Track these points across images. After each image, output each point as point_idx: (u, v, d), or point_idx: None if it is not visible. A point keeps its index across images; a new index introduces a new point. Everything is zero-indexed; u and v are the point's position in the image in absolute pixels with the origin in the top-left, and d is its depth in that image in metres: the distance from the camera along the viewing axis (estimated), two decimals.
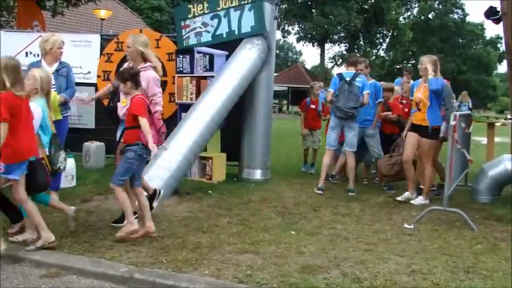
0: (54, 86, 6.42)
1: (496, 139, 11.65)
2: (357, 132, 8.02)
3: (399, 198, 7.39)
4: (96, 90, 9.60)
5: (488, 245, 5.31)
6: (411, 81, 8.64)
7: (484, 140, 12.47)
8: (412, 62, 53.58)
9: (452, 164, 6.18)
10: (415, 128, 7.34)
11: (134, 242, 5.01)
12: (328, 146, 8.14)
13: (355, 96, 7.78)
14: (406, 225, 6.01)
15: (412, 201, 7.24)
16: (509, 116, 16.88)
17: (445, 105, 7.29)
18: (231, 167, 9.08)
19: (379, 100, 8.51)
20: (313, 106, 10.07)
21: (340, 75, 8.15)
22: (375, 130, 8.48)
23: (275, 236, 5.39)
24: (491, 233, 5.83)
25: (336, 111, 7.86)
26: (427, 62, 7.15)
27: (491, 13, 7.22)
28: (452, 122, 6.13)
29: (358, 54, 45.81)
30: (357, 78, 7.90)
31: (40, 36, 7.85)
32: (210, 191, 7.55)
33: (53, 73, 6.48)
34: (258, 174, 8.71)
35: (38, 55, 7.63)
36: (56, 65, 6.56)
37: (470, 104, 17.17)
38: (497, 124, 12.03)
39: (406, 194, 7.44)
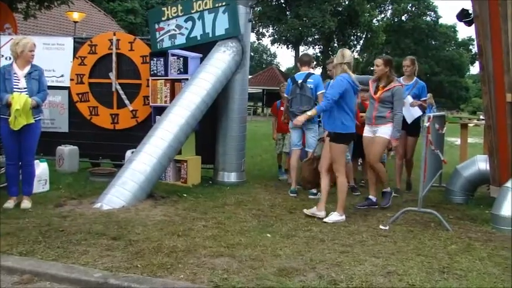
0: (25, 90, 6.36)
1: (469, 140, 11.81)
2: (316, 134, 7.80)
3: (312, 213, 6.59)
4: (69, 93, 9.54)
5: (462, 245, 5.35)
6: None
7: (458, 141, 12.63)
8: None
9: (426, 165, 6.23)
10: None
11: (109, 246, 4.96)
12: (292, 147, 8.16)
13: (307, 99, 7.68)
14: (381, 227, 6.03)
15: (325, 219, 6.32)
16: (481, 117, 17.11)
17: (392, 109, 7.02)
18: (206, 170, 9.06)
19: None
20: (283, 109, 9.84)
21: (292, 78, 8.13)
22: None
23: (251, 239, 5.37)
24: (466, 233, 5.87)
25: (291, 116, 7.76)
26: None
27: (463, 15, 7.31)
28: (427, 123, 6.18)
29: (332, 56, 46.10)
30: (308, 80, 7.82)
31: (12, 39, 7.74)
32: (185, 194, 7.50)
33: (24, 76, 6.40)
34: (233, 177, 8.69)
35: (10, 58, 7.52)
36: (27, 68, 6.46)
37: (434, 108, 17.34)
38: (470, 125, 12.17)
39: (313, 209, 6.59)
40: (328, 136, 6.50)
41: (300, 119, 6.70)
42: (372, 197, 7.14)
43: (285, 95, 8.25)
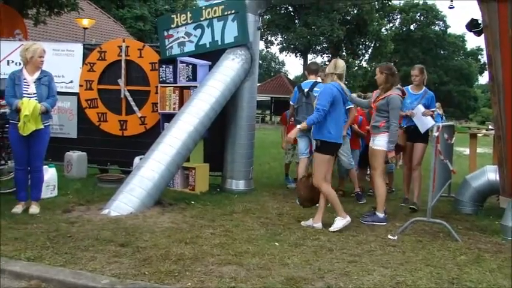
0: (35, 95, 6.38)
1: (478, 150, 11.75)
2: None
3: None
4: (78, 99, 9.57)
5: (472, 256, 5.31)
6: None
7: (467, 151, 12.58)
8: None
9: (435, 175, 6.20)
10: None
11: (116, 253, 4.95)
12: (300, 155, 8.13)
13: (313, 108, 7.63)
14: (390, 236, 6.00)
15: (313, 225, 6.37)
16: (490, 127, 17.02)
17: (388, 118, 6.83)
18: (214, 178, 9.05)
19: (349, 106, 8.10)
20: (292, 119, 9.76)
21: (299, 86, 8.10)
22: (345, 138, 8.05)
23: (259, 247, 5.35)
24: (475, 244, 5.83)
25: (297, 124, 7.71)
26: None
27: (472, 25, 7.27)
28: (436, 133, 6.16)
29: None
30: (315, 88, 7.79)
31: (22, 44, 7.77)
32: (193, 202, 7.49)
33: (34, 82, 6.43)
34: (241, 185, 8.67)
35: (20, 64, 7.55)
36: (37, 74, 6.48)
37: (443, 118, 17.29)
38: (480, 135, 12.11)
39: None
40: (317, 146, 6.40)
41: (291, 135, 6.50)
42: (379, 214, 6.83)
43: (291, 104, 8.24)
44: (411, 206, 7.55)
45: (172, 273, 4.46)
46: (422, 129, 7.68)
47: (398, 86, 6.97)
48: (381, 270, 4.77)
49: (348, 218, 6.32)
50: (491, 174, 7.46)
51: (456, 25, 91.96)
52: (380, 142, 6.78)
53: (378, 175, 6.87)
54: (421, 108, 7.70)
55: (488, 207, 7.78)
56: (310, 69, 8.31)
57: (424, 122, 7.71)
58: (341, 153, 8.07)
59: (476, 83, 73.57)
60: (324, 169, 6.34)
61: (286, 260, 4.97)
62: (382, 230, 6.37)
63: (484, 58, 62.90)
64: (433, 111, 7.94)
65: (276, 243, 5.54)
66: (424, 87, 7.99)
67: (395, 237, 5.95)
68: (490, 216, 7.23)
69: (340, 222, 6.26)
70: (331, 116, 6.23)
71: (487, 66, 6.85)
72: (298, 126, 6.46)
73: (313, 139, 6.55)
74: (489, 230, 6.44)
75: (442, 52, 63.94)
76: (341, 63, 6.49)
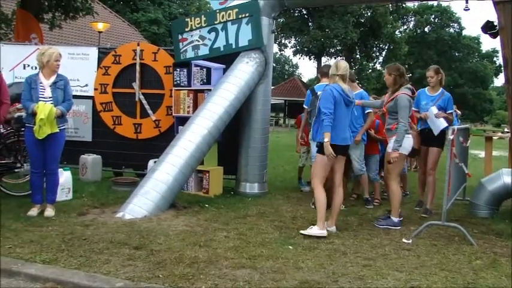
0: (51, 99, 6.43)
1: (494, 152, 11.65)
2: None
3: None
4: (93, 102, 9.62)
5: (488, 261, 5.26)
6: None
7: (482, 154, 12.49)
8: (408, 75, 53.72)
9: (450, 178, 6.15)
10: None
11: (130, 256, 4.97)
12: (313, 159, 8.04)
13: None
14: (404, 240, 5.96)
15: (302, 231, 6.14)
16: (506, 130, 16.90)
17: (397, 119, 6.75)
18: (228, 181, 9.05)
19: (368, 111, 8.15)
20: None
21: (312, 89, 8.07)
22: (359, 143, 8.06)
23: (272, 250, 5.35)
24: (491, 248, 5.78)
25: (311, 128, 7.71)
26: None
27: (488, 27, 7.23)
28: (451, 136, 6.11)
29: (354, 67, 46.03)
30: None
31: (38, 48, 7.83)
32: (207, 205, 7.51)
33: (50, 86, 6.47)
34: (255, 188, 8.67)
35: (36, 68, 7.62)
36: (53, 78, 6.53)
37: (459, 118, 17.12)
38: (495, 137, 12.03)
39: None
40: (317, 147, 6.30)
41: (327, 152, 6.03)
42: (394, 218, 6.76)
43: (305, 107, 8.21)
44: (422, 215, 7.44)
45: (186, 276, 4.47)
46: (435, 132, 7.54)
47: (408, 85, 6.86)
48: (396, 274, 4.74)
49: (325, 232, 6.04)
50: (507, 177, 7.40)
51: (471, 27, 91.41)
52: (392, 144, 6.73)
53: (393, 179, 6.81)
54: (434, 109, 7.54)
55: (504, 210, 7.70)
56: (322, 72, 8.26)
57: (437, 124, 7.52)
58: (353, 158, 8.06)
59: (492, 85, 73.03)
60: (321, 170, 6.22)
61: (300, 263, 4.96)
62: (396, 233, 6.33)
63: (499, 60, 62.46)
64: (450, 113, 7.70)
65: (290, 247, 5.53)
66: (442, 89, 7.77)
67: (410, 241, 5.91)
68: (505, 220, 7.15)
69: (315, 231, 6.03)
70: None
71: (502, 68, 6.80)
72: (325, 140, 6.00)
73: (313, 141, 6.47)
74: (505, 234, 6.37)
75: (456, 54, 63.61)
76: (342, 63, 6.39)
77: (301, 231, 6.06)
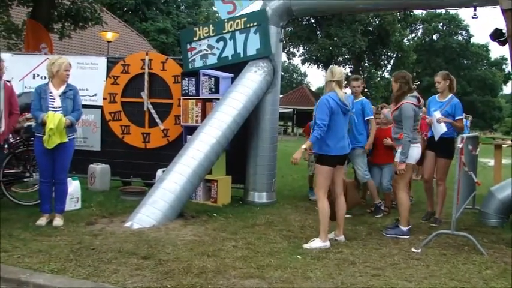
0: (60, 109, 6.46)
1: (504, 161, 11.58)
2: None
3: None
4: (102, 112, 9.66)
5: (498, 270, 5.22)
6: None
7: (491, 162, 12.42)
8: (417, 83, 53.73)
9: (459, 187, 6.12)
10: None
11: (139, 266, 4.97)
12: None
13: None
14: (413, 249, 5.93)
15: (304, 245, 6.01)
16: None
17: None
18: (236, 190, 9.04)
19: (368, 117, 8.08)
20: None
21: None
22: (362, 150, 8.08)
23: (281, 260, 5.33)
24: (501, 257, 5.72)
25: None
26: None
27: (497, 35, 7.20)
28: (460, 144, 6.09)
29: (363, 76, 45.95)
30: None
31: (47, 58, 7.87)
32: (215, 214, 7.50)
33: (59, 95, 6.51)
34: (263, 197, 8.67)
35: (45, 77, 7.66)
36: (63, 88, 6.57)
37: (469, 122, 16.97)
38: (504, 145, 11.94)
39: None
40: (315, 157, 6.22)
41: (296, 156, 6.11)
42: (402, 227, 6.71)
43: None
44: (431, 224, 7.37)
45: (195, 286, 4.47)
46: (435, 136, 7.47)
47: (414, 93, 6.79)
48: (405, 284, 4.71)
49: (328, 244, 5.97)
50: None
51: (480, 35, 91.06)
52: (399, 154, 6.70)
53: (401, 188, 6.77)
54: (436, 114, 7.41)
55: None
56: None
57: (438, 129, 7.44)
58: (356, 166, 8.13)
59: (501, 92, 72.71)
60: (324, 180, 6.11)
61: (308, 273, 4.94)
62: (405, 243, 6.30)
63: (508, 68, 62.38)
64: (460, 119, 7.49)
65: (299, 256, 5.51)
66: (451, 95, 7.58)
67: (419, 250, 5.88)
68: None
69: (318, 244, 5.96)
70: (329, 128, 6.01)
71: (511, 75, 6.77)
72: (303, 146, 6.19)
73: (313, 152, 6.40)
74: None
75: (465, 62, 63.44)
76: (337, 69, 6.28)
77: (304, 245, 5.98)
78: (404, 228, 6.66)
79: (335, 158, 6.09)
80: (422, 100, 7.04)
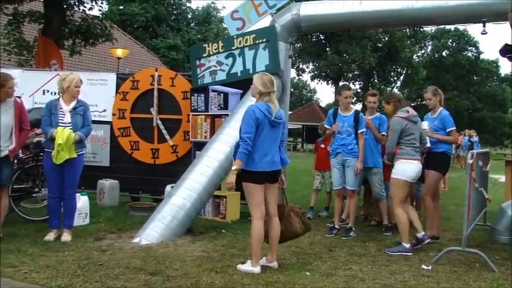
0: (70, 124, 6.49)
1: None
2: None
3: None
4: (111, 128, 9.69)
5: None
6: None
7: (502, 178, 12.31)
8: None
9: (470, 203, 6.07)
10: None
11: (146, 282, 4.94)
12: (334, 187, 7.95)
13: (347, 132, 7.57)
14: (423, 266, 5.87)
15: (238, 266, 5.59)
16: None
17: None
18: (245, 206, 8.98)
19: (361, 130, 7.66)
20: (323, 146, 9.36)
21: (335, 110, 7.95)
22: (380, 170, 8.02)
23: (289, 276, 5.29)
24: None
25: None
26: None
27: (506, 51, 7.18)
28: (470, 160, 6.05)
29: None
30: None
31: (58, 74, 7.92)
32: (223, 230, 7.47)
33: (69, 111, 6.55)
34: None
35: (55, 93, 7.70)
36: (73, 104, 6.60)
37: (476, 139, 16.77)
38: None
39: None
40: (238, 173, 5.45)
41: (229, 180, 5.39)
42: (405, 244, 6.60)
43: (326, 126, 8.11)
44: (428, 242, 6.95)
45: None
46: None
47: (407, 108, 6.87)
48: None
49: (258, 269, 5.39)
50: None
51: (489, 51, 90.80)
52: (397, 170, 6.71)
53: (396, 205, 6.69)
54: (424, 125, 7.18)
55: None
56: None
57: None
58: (373, 183, 8.08)
59: (511, 109, 72.36)
60: (253, 197, 5.50)
61: None
62: (415, 259, 6.24)
63: None
64: (451, 131, 7.22)
65: (307, 273, 5.47)
66: (441, 108, 7.38)
67: (429, 267, 5.82)
68: None
69: (246, 267, 5.46)
70: (254, 141, 5.41)
71: None
72: (233, 167, 5.42)
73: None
74: None
75: (474, 78, 63.24)
76: (267, 77, 5.69)
77: (238, 266, 5.55)
78: (407, 245, 6.58)
79: (261, 174, 5.47)
80: (411, 111, 6.89)
